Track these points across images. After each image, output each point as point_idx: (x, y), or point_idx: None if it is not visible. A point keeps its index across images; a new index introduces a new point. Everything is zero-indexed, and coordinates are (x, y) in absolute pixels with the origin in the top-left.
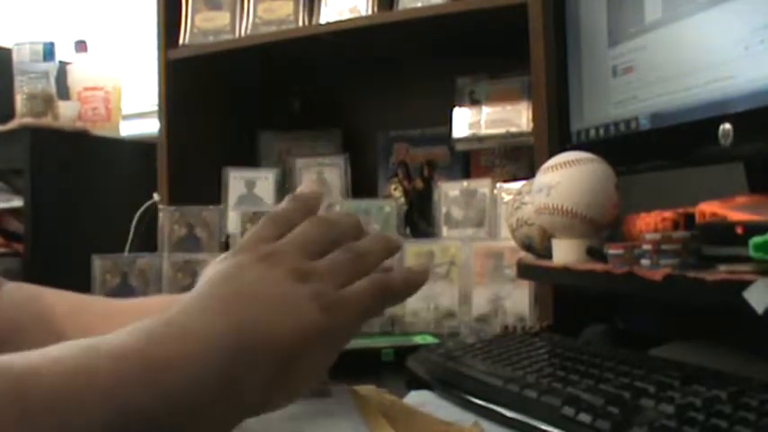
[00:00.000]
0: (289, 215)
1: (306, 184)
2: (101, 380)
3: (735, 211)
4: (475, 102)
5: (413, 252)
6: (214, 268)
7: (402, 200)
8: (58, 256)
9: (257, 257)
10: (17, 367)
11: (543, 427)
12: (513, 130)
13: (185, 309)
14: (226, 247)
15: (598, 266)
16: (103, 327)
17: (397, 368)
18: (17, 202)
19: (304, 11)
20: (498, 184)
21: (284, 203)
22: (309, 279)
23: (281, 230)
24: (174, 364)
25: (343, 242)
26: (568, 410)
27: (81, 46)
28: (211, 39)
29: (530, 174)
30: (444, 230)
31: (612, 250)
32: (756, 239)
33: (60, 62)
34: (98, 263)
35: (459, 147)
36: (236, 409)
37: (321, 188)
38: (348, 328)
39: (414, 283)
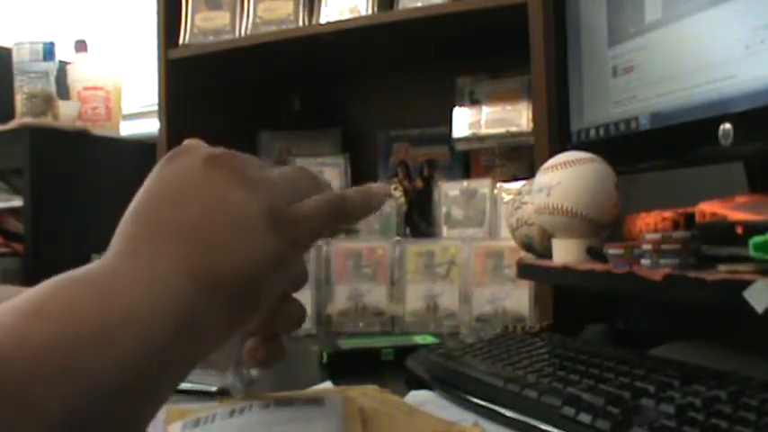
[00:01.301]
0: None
1: None
2: (57, 344)
3: (735, 211)
4: (475, 102)
5: (413, 252)
6: (153, 176)
7: (402, 200)
8: (58, 256)
9: (207, 159)
10: None
11: (543, 427)
12: (513, 129)
13: (134, 246)
14: None
15: (598, 266)
16: None
17: (397, 368)
18: (17, 202)
19: (304, 11)
20: (498, 184)
21: None
22: (263, 186)
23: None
24: (129, 319)
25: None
26: (568, 410)
27: (81, 46)
28: (211, 39)
29: (530, 174)
30: (444, 230)
31: (612, 250)
32: (756, 239)
33: (60, 62)
34: None
35: (460, 146)
36: (192, 354)
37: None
38: (301, 248)
39: (372, 201)
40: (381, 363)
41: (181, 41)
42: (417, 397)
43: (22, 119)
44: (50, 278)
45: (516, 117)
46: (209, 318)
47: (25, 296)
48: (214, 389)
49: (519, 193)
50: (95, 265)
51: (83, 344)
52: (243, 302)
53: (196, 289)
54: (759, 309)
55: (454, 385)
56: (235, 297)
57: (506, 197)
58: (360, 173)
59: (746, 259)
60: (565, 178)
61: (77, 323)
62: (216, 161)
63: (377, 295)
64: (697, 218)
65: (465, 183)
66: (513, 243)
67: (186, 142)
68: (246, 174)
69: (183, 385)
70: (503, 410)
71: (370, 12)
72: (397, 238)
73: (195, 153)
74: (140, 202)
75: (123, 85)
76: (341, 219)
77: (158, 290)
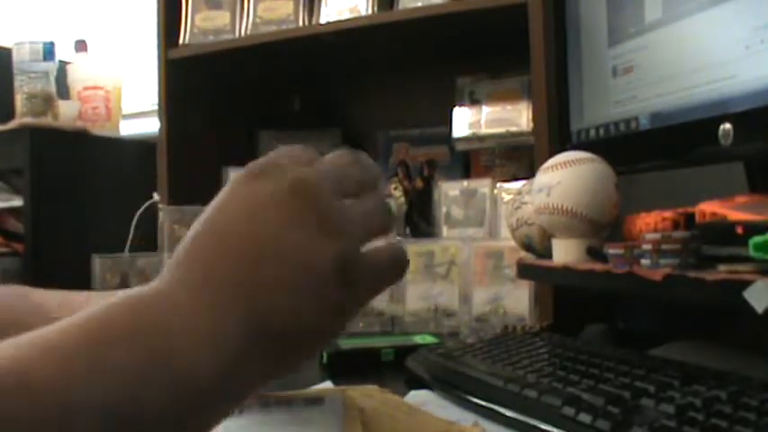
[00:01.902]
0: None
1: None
2: (109, 373)
3: (735, 211)
4: (475, 101)
5: (413, 252)
6: (226, 196)
7: (402, 199)
8: (58, 256)
9: (286, 188)
10: (7, 364)
11: (543, 427)
12: (513, 129)
13: (193, 278)
14: None
15: (598, 266)
16: None
17: (397, 368)
18: (17, 202)
19: (304, 11)
20: (498, 184)
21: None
22: (338, 233)
23: (310, 156)
24: (182, 354)
25: (373, 186)
26: (568, 410)
27: (81, 45)
28: (211, 38)
29: (530, 174)
30: (444, 230)
31: (612, 250)
32: (756, 239)
33: (60, 62)
34: (98, 263)
35: (460, 146)
36: (237, 394)
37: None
38: (360, 304)
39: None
40: (381, 363)
41: (181, 41)
42: (417, 397)
43: (22, 119)
44: (108, 294)
45: (516, 117)
46: (254, 362)
47: (78, 320)
48: None
49: (519, 193)
50: (154, 290)
51: (125, 375)
52: (291, 351)
53: (247, 332)
54: (759, 309)
55: (454, 385)
56: (284, 346)
57: (506, 197)
58: None
59: (746, 259)
60: (565, 178)
61: (130, 354)
62: (300, 194)
63: None
64: (697, 218)
65: (465, 183)
66: (513, 243)
67: (276, 155)
68: (327, 213)
69: None
70: (503, 410)
71: (370, 12)
72: (398, 237)
73: (280, 177)
74: (210, 223)
75: (123, 85)
76: (402, 273)
77: (208, 329)
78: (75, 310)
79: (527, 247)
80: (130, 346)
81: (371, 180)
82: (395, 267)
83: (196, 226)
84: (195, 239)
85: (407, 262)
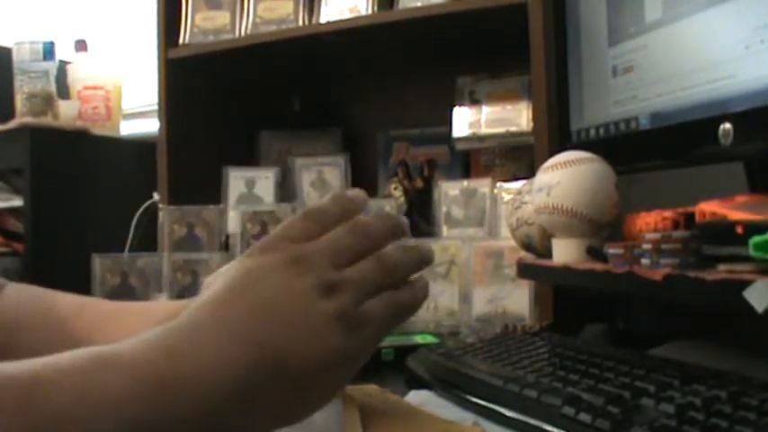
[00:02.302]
0: (325, 215)
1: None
2: (112, 395)
3: (735, 211)
4: (475, 101)
5: None
6: (237, 267)
7: (402, 199)
8: (58, 256)
9: (283, 261)
10: (24, 377)
11: (543, 426)
12: (513, 129)
13: (202, 320)
14: (226, 246)
15: (598, 266)
16: (107, 328)
17: (397, 368)
18: (17, 202)
19: (304, 10)
20: (498, 184)
21: (324, 200)
22: (335, 294)
23: (313, 230)
24: (189, 384)
25: (374, 251)
26: (568, 410)
27: (81, 45)
28: (211, 38)
29: (530, 173)
30: (444, 230)
31: (612, 250)
32: (756, 239)
33: (60, 61)
34: (98, 262)
35: (460, 146)
36: (247, 429)
37: (365, 195)
38: (368, 348)
39: (421, 296)
40: (381, 363)
41: (181, 41)
42: (417, 397)
43: (22, 119)
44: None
45: (516, 117)
46: (259, 404)
47: (95, 348)
48: None
49: (519, 192)
50: (166, 329)
51: (138, 398)
52: (302, 390)
53: (252, 373)
54: (759, 309)
55: (454, 385)
56: (294, 382)
57: (506, 197)
58: (360, 173)
59: (746, 259)
60: (565, 178)
61: (136, 378)
62: (295, 266)
63: None
64: (697, 218)
65: (465, 182)
66: (513, 243)
67: (274, 236)
68: (323, 279)
69: None
70: (503, 410)
71: (370, 12)
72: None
73: (276, 254)
74: (215, 289)
75: (123, 85)
76: (402, 318)
77: (219, 364)
78: (85, 325)
79: (527, 246)
80: (139, 368)
81: (368, 245)
82: (396, 315)
83: (206, 290)
84: (204, 301)
85: (411, 308)
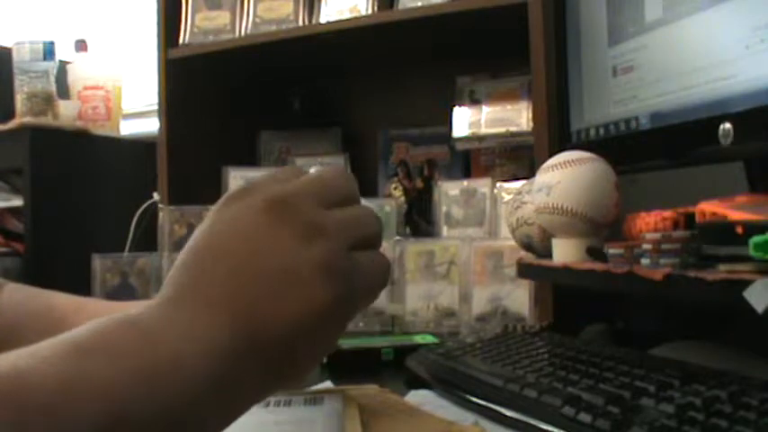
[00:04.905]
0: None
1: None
2: (96, 383)
3: (735, 211)
4: (475, 101)
5: (413, 251)
6: (215, 218)
7: (402, 199)
8: (58, 256)
9: (264, 205)
10: (6, 368)
11: (543, 426)
12: (513, 129)
13: (180, 295)
14: None
15: (598, 266)
16: None
17: (397, 368)
18: (17, 202)
19: (304, 10)
20: (498, 184)
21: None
22: (321, 237)
23: (296, 173)
24: (170, 368)
25: (358, 202)
26: (568, 410)
27: (81, 45)
28: (211, 38)
29: (530, 173)
30: (444, 230)
31: (612, 250)
32: (756, 239)
33: (60, 61)
34: (98, 262)
35: (460, 146)
36: (236, 404)
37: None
38: (359, 299)
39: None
40: (381, 362)
41: (181, 41)
42: (417, 397)
43: (22, 118)
44: (98, 316)
45: (516, 117)
46: (248, 374)
47: (71, 333)
48: None
49: (519, 192)
50: (144, 307)
51: (122, 386)
52: (289, 355)
53: (236, 345)
54: (759, 309)
55: (454, 385)
56: (279, 353)
57: (506, 197)
58: (360, 172)
59: (746, 259)
60: (565, 178)
61: (119, 365)
62: (275, 208)
63: None
64: (697, 218)
65: (465, 182)
66: (513, 243)
67: (253, 181)
68: (307, 219)
69: None
70: (503, 410)
71: (370, 12)
72: (398, 237)
73: (255, 196)
74: (193, 247)
75: (123, 85)
76: (386, 283)
77: (199, 342)
78: (82, 324)
79: (527, 246)
80: (124, 360)
81: (354, 192)
82: (383, 274)
83: (185, 249)
84: (183, 262)
85: (388, 272)
